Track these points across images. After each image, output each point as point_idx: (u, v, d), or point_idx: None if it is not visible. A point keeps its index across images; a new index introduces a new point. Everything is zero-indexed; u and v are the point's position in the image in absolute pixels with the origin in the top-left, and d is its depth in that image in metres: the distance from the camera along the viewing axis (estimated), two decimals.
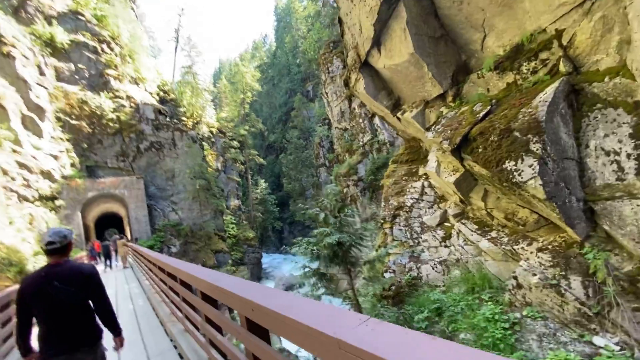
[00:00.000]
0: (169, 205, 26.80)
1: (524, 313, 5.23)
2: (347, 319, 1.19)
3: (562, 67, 5.67)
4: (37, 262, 16.02)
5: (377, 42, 8.57)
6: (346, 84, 10.56)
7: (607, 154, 5.03)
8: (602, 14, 5.19)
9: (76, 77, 24.78)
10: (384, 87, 9.28)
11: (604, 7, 5.16)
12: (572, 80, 5.58)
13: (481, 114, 6.14)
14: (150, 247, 22.51)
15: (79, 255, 15.78)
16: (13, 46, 19.46)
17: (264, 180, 48.29)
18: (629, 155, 4.79)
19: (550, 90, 5.38)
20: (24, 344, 2.49)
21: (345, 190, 26.24)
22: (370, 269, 5.11)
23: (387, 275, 7.18)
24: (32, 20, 23.29)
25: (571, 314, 4.83)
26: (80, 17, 25.80)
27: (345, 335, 1.05)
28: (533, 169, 5.03)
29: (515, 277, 5.56)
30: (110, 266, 16.02)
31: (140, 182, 24.10)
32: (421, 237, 8.03)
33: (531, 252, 5.67)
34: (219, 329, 2.93)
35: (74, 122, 23.34)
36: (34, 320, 2.47)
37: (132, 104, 26.27)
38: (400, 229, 8.48)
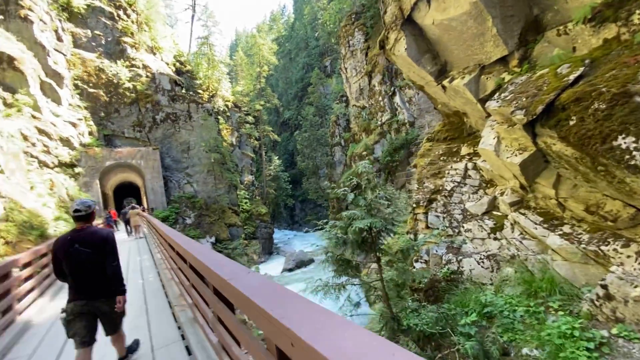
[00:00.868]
0: (184, 178, 27.06)
1: (614, 331, 4.18)
2: None
3: None
4: (57, 227, 16.52)
5: None
6: (382, 46, 9.28)
7: None
8: None
9: (93, 44, 24.53)
10: (428, 50, 8.06)
11: None
12: None
13: (571, 77, 4.84)
14: (165, 218, 22.95)
15: (96, 222, 16.13)
16: (30, 9, 19.17)
17: (277, 157, 48.13)
18: None
19: None
20: (64, 280, 3.13)
21: None
22: (404, 258, 4.69)
23: (417, 265, 6.68)
24: None
25: None
26: None
27: None
28: None
29: (604, 286, 4.46)
30: (131, 232, 16.38)
31: (156, 153, 24.25)
32: (463, 226, 7.12)
33: (628, 256, 4.50)
34: (237, 342, 2.36)
35: (91, 90, 23.34)
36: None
37: (149, 74, 26.00)
38: (437, 216, 7.61)
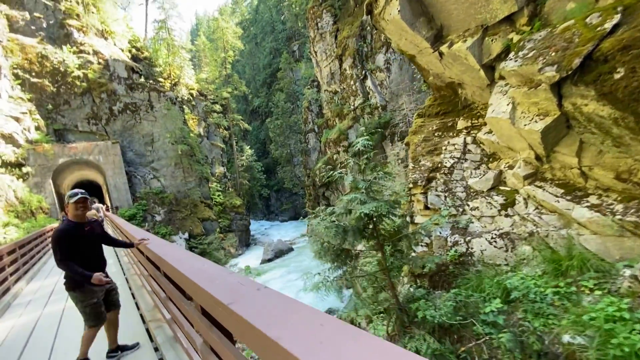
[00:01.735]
0: (149, 172, 25.41)
1: None
2: None
3: None
4: (7, 234, 14.88)
5: None
6: (369, 10, 8.43)
7: None
8: None
9: (32, 27, 21.85)
10: (422, 12, 7.34)
11: None
12: None
13: (607, 25, 4.24)
14: (132, 216, 21.51)
15: (51, 225, 14.65)
16: None
17: (249, 146, 46.68)
18: None
19: None
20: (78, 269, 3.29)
21: (335, 156, 25.49)
22: (409, 244, 4.39)
23: (418, 249, 6.21)
24: None
25: None
26: None
27: None
28: None
29: None
30: None
31: (116, 147, 22.43)
32: (468, 205, 6.64)
33: None
34: None
35: (34, 79, 20.93)
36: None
37: (101, 60, 23.70)
38: (438, 195, 7.12)
